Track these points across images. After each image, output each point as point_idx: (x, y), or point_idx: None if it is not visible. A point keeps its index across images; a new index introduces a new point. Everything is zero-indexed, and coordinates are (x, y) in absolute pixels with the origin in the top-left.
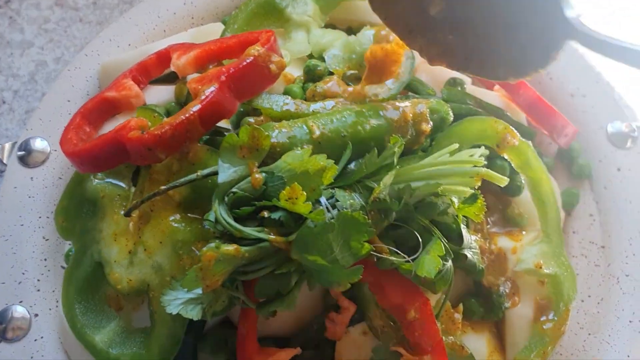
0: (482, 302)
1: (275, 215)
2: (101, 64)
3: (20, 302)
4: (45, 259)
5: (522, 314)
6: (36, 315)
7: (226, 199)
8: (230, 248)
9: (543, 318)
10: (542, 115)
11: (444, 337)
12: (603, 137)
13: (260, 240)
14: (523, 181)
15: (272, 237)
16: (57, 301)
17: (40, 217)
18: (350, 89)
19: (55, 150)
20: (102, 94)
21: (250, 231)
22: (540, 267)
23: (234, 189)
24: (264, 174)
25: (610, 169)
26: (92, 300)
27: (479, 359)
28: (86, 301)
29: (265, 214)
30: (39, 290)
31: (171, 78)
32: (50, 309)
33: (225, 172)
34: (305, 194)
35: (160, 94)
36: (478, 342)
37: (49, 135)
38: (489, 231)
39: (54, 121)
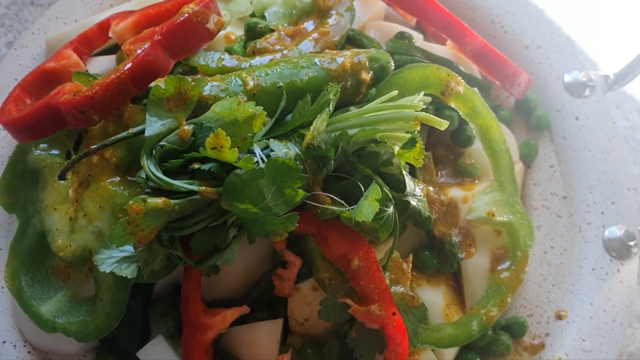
0: (435, 254)
1: (206, 167)
2: (46, 39)
3: None
4: None
5: (478, 264)
6: None
7: (154, 152)
8: (158, 200)
9: (500, 267)
10: (492, 65)
11: (394, 287)
12: (560, 87)
13: (191, 192)
14: (473, 131)
15: (202, 188)
16: None
17: None
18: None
19: (4, 130)
20: (42, 66)
21: (180, 184)
22: (493, 215)
23: (162, 142)
24: (192, 126)
25: (568, 119)
26: (39, 272)
27: (436, 311)
28: (32, 273)
29: (195, 165)
30: None
31: (115, 49)
32: (2, 287)
33: (153, 125)
34: (229, 139)
35: (103, 64)
36: (434, 295)
37: None
38: (439, 183)
39: (1, 100)
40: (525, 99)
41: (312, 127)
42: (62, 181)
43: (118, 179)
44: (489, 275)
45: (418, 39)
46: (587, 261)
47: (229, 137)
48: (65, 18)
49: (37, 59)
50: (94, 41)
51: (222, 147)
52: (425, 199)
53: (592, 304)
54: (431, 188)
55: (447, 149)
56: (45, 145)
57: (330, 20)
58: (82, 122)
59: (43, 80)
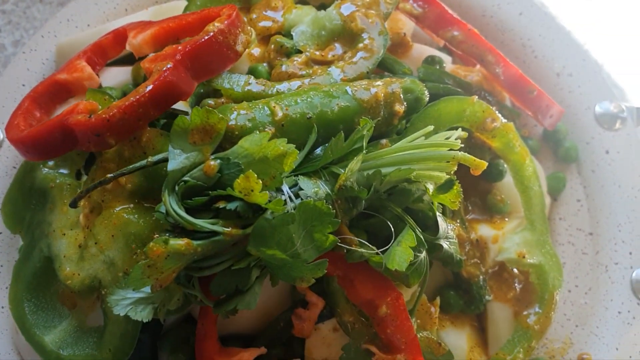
0: (461, 294)
1: (232, 206)
2: (57, 45)
3: None
4: None
5: (504, 306)
6: None
7: (177, 188)
8: (181, 242)
9: (527, 312)
10: (526, 95)
11: (419, 333)
12: (591, 118)
13: (215, 233)
14: (505, 165)
15: (227, 230)
16: None
17: None
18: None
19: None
20: (53, 76)
21: (203, 224)
22: (524, 257)
23: (185, 178)
24: (218, 161)
25: (598, 152)
26: (43, 298)
27: (459, 355)
28: (36, 298)
29: (221, 204)
30: None
31: (130, 59)
32: (2, 307)
33: (176, 159)
34: (260, 183)
35: (118, 76)
36: (458, 338)
37: (2, 121)
38: (468, 219)
39: (8, 107)
40: (554, 130)
41: (346, 170)
42: None
43: (132, 205)
44: (514, 318)
45: (447, 61)
46: (613, 303)
47: (260, 181)
48: (77, 21)
49: (46, 64)
50: (108, 51)
51: (252, 190)
52: (457, 241)
53: (617, 350)
54: (459, 225)
55: (473, 181)
56: (54, 163)
57: (362, 45)
58: (96, 145)
59: (54, 92)
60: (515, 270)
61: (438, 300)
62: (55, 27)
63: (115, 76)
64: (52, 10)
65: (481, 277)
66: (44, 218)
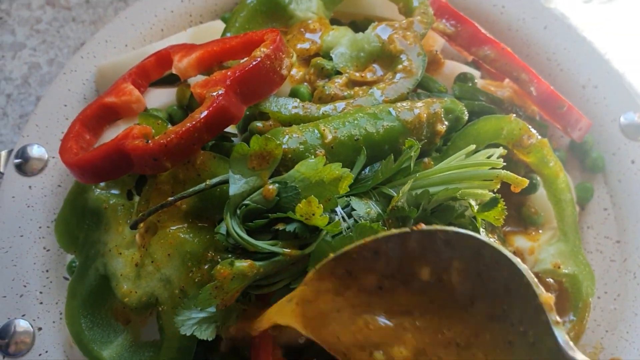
0: None
1: (290, 228)
2: (98, 67)
3: (23, 315)
4: (47, 270)
5: None
6: (40, 328)
7: (238, 211)
8: (245, 264)
9: (562, 320)
10: (556, 110)
11: None
12: (616, 129)
13: (275, 254)
14: (538, 178)
15: (287, 251)
16: (61, 314)
17: (40, 227)
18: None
19: (54, 157)
20: (101, 100)
21: (264, 245)
22: (559, 267)
23: (245, 201)
24: (276, 185)
25: (624, 162)
26: (99, 314)
27: None
28: (92, 315)
29: (280, 226)
30: (41, 303)
31: (172, 80)
32: (54, 322)
33: (237, 183)
34: (321, 207)
35: (160, 97)
36: None
37: (46, 141)
38: (504, 231)
39: (51, 127)
40: (581, 141)
41: (400, 191)
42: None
43: (186, 225)
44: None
45: (476, 76)
46: None
47: (321, 205)
48: (114, 42)
49: (86, 84)
50: (151, 73)
51: (313, 214)
52: None
53: None
54: (496, 238)
55: (508, 194)
56: (105, 184)
57: (401, 66)
58: (153, 168)
59: (102, 115)
60: (550, 280)
61: None
62: (93, 48)
63: (158, 98)
64: (85, 29)
65: None
66: (99, 238)
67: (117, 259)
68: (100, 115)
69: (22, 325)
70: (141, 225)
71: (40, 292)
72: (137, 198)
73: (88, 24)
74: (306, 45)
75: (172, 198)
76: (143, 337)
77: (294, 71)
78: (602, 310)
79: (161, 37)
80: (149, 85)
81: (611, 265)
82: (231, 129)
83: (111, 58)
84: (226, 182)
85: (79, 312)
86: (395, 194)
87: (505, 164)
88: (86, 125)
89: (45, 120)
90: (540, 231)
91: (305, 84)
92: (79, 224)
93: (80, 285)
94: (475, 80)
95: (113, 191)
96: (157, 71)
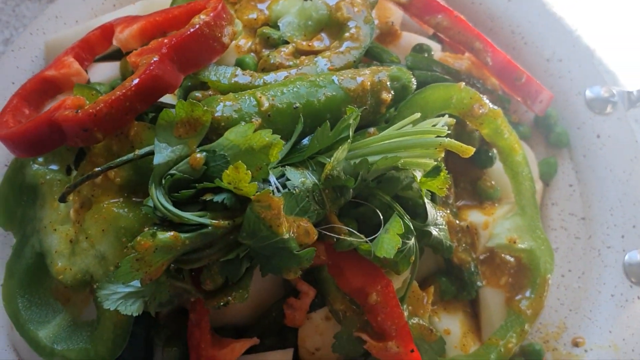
0: (453, 280)
1: (219, 198)
2: (45, 42)
3: None
4: None
5: (496, 292)
6: None
7: (164, 181)
8: (168, 235)
9: (519, 296)
10: (514, 81)
11: (410, 320)
12: (581, 103)
13: (203, 225)
14: (494, 152)
15: (215, 222)
16: None
17: None
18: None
19: None
20: (41, 73)
21: (191, 216)
22: (515, 242)
23: (172, 171)
24: (204, 153)
25: (589, 136)
26: (37, 294)
27: (452, 341)
28: (30, 294)
29: (208, 197)
30: None
31: (118, 54)
32: None
33: (162, 152)
34: (249, 173)
35: (106, 71)
36: (451, 323)
37: None
38: (458, 205)
39: None
40: (545, 115)
41: (332, 159)
42: None
43: (122, 200)
44: (507, 303)
45: (436, 49)
46: (606, 286)
47: (249, 172)
48: (65, 18)
49: (35, 62)
50: (96, 47)
51: (241, 181)
52: (446, 227)
53: (610, 332)
54: (449, 212)
55: (464, 168)
56: (44, 159)
57: (348, 34)
58: (84, 140)
59: (42, 88)
60: (506, 256)
61: (432, 289)
62: (43, 24)
63: (103, 72)
64: (42, 8)
65: (472, 263)
66: (35, 214)
67: (51, 235)
68: (40, 89)
69: None
70: (75, 199)
71: None
72: (75, 174)
73: (45, 3)
74: (254, 15)
75: (98, 168)
76: (86, 316)
77: (242, 42)
78: (565, 288)
79: (113, 11)
80: (95, 59)
81: (576, 242)
82: (172, 99)
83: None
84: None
85: (16, 291)
86: None
87: (450, 132)
88: (26, 99)
89: None
90: (496, 205)
91: (252, 54)
92: (17, 201)
93: (17, 263)
94: (433, 52)
95: (52, 166)
96: (102, 44)
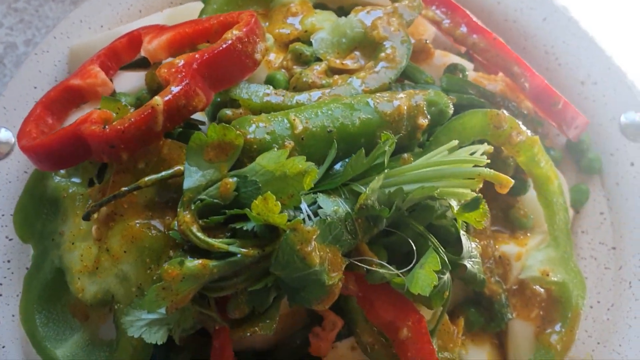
0: (482, 311)
1: (249, 226)
2: (70, 48)
3: None
4: (9, 261)
5: (526, 324)
6: None
7: (193, 206)
8: (196, 264)
9: (549, 330)
10: (550, 106)
11: (440, 354)
12: (615, 129)
13: (232, 253)
14: (529, 179)
15: (244, 250)
16: None
17: (3, 215)
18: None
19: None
20: (66, 82)
21: (220, 244)
22: (547, 275)
23: (201, 196)
24: (235, 179)
25: (623, 164)
26: (54, 310)
27: None
28: (47, 311)
29: (237, 224)
30: (1, 295)
31: (144, 63)
32: (13, 316)
33: (192, 176)
34: (279, 205)
35: (132, 81)
36: (478, 356)
37: (13, 125)
38: (490, 233)
39: (19, 110)
40: (577, 140)
41: (367, 189)
42: None
43: (146, 219)
44: (536, 336)
45: (469, 68)
46: (636, 320)
47: (278, 203)
48: (90, 23)
49: (58, 66)
50: (123, 56)
51: (270, 212)
52: (480, 260)
53: None
54: (481, 242)
55: (494, 193)
56: (66, 171)
57: (383, 54)
58: (111, 156)
59: (67, 98)
60: (538, 287)
61: (461, 321)
62: (67, 28)
63: (129, 81)
64: (65, 9)
65: (503, 295)
66: (55, 228)
67: (72, 251)
68: (64, 98)
69: None
70: (95, 215)
71: (0, 284)
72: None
73: (68, 4)
74: (286, 31)
75: (125, 188)
76: (102, 334)
77: (272, 57)
78: (594, 320)
79: (139, 18)
80: (120, 68)
81: (605, 273)
82: (200, 115)
83: (85, 38)
84: (182, 174)
85: (33, 307)
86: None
87: (489, 161)
88: (49, 109)
89: (13, 103)
90: (529, 234)
91: (282, 70)
92: (36, 213)
93: (35, 278)
94: (467, 73)
95: (74, 179)
96: (128, 53)
